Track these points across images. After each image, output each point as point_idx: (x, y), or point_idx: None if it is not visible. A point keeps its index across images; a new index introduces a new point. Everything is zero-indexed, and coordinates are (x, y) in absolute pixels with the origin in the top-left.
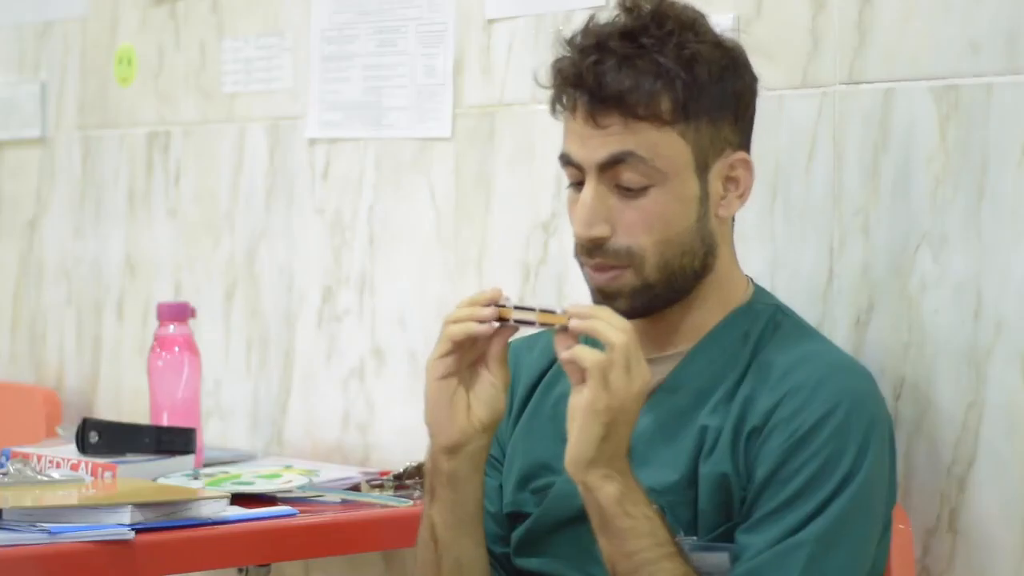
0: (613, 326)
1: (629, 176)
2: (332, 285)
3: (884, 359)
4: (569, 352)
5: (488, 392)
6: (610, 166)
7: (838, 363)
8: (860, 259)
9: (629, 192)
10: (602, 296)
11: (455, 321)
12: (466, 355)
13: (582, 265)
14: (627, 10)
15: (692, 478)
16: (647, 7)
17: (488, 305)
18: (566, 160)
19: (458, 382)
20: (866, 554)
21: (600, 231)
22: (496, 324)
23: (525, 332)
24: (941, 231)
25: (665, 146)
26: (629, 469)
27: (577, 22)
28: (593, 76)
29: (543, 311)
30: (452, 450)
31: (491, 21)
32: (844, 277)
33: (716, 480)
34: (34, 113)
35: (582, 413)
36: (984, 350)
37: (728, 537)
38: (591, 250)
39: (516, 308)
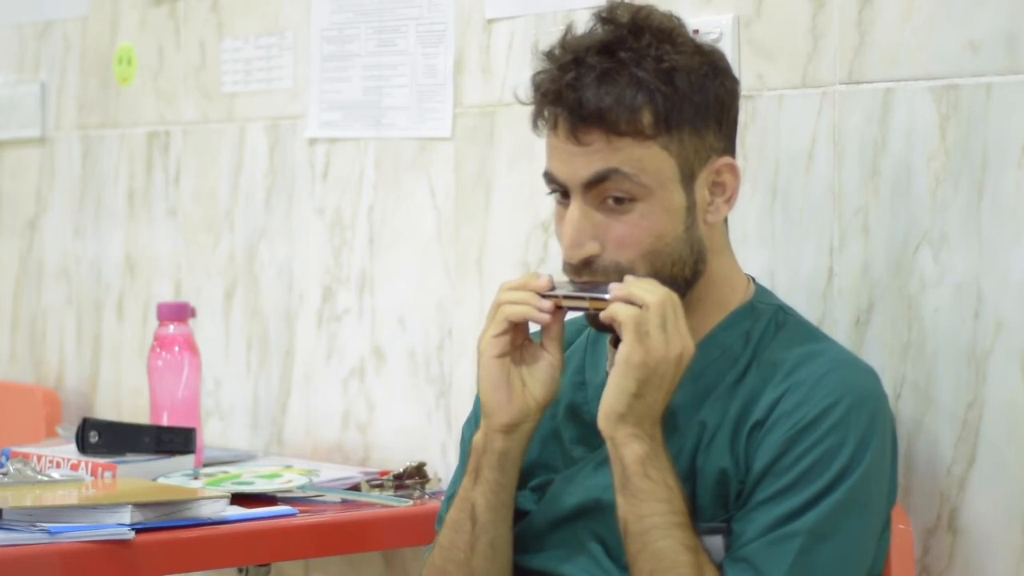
0: (647, 289)
1: (614, 193)
2: (332, 285)
3: (884, 359)
4: (607, 311)
5: (545, 371)
6: (595, 184)
7: (843, 360)
8: (860, 259)
9: (615, 208)
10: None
11: (511, 303)
12: (517, 335)
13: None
14: (603, 21)
15: (690, 472)
16: (624, 18)
17: (544, 294)
18: (550, 178)
19: (511, 361)
20: (862, 550)
21: (590, 249)
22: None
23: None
24: (941, 231)
25: (649, 160)
26: (660, 435)
27: (578, 22)
28: (573, 93)
29: (593, 298)
30: (509, 429)
31: (491, 21)
32: (844, 277)
33: (715, 475)
34: (34, 113)
35: (617, 367)
36: (984, 350)
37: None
38: (580, 268)
39: (566, 297)
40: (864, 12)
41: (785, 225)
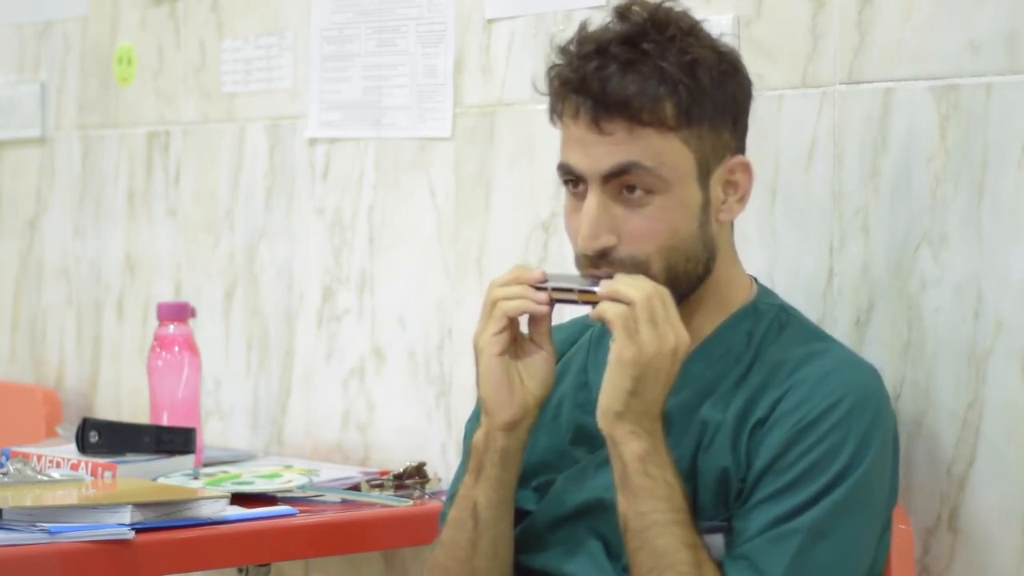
0: (633, 285)
1: (633, 185)
2: (332, 285)
3: (884, 359)
4: (596, 310)
5: (540, 366)
6: (614, 176)
7: (845, 359)
8: (860, 259)
9: (633, 200)
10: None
11: (507, 298)
12: (513, 330)
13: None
14: (622, 16)
15: (691, 471)
16: (643, 13)
17: (537, 286)
18: (566, 170)
19: (509, 357)
20: (862, 550)
21: (605, 241)
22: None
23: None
24: (941, 231)
25: (669, 154)
26: (660, 431)
27: (577, 22)
28: (597, 81)
29: (582, 291)
30: (511, 426)
31: (491, 21)
32: (844, 277)
33: (716, 474)
34: (34, 113)
35: (610, 365)
36: (984, 350)
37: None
38: (596, 260)
39: (555, 289)
40: (864, 12)
41: (785, 225)
